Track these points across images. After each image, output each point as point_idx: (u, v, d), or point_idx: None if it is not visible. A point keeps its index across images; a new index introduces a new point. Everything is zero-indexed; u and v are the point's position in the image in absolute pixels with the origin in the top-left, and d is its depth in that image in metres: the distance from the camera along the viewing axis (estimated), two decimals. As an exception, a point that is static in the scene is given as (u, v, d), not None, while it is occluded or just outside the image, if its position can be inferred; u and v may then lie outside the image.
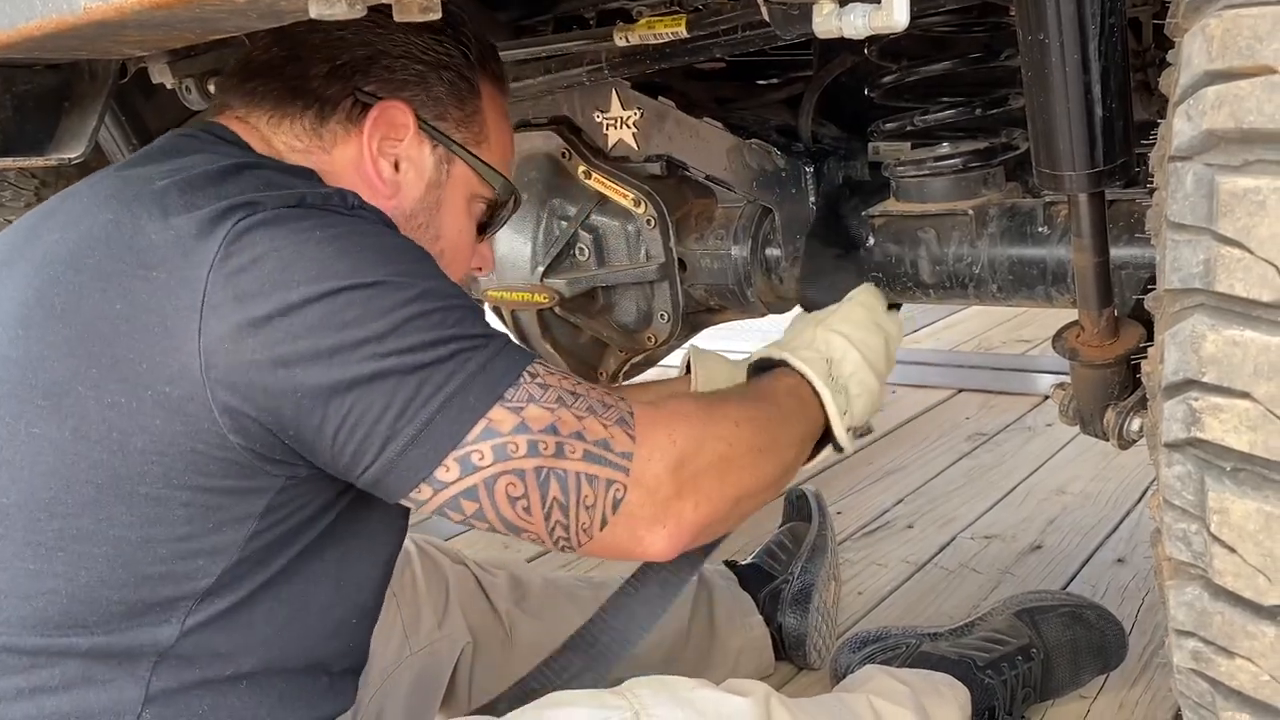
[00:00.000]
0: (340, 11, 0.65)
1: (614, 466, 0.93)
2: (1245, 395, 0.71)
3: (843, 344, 1.23)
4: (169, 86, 1.45)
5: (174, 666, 0.90)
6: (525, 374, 0.91)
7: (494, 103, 1.14)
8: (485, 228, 1.19)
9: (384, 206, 1.01)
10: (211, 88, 1.49)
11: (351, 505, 0.98)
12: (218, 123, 1.05)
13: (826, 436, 1.19)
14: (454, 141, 1.09)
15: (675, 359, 1.63)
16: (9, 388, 0.88)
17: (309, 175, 0.99)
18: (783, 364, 1.19)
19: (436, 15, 0.70)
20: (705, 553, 1.20)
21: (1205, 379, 0.73)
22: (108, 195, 0.94)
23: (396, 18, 0.70)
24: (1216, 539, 0.75)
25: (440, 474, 0.88)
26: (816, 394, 1.17)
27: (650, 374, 1.93)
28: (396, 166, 1.06)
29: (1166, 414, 0.77)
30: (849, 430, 1.21)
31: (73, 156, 1.13)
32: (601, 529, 0.93)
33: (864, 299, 1.31)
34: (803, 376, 1.17)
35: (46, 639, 0.87)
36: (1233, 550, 0.74)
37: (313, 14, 0.66)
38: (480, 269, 1.25)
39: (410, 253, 0.94)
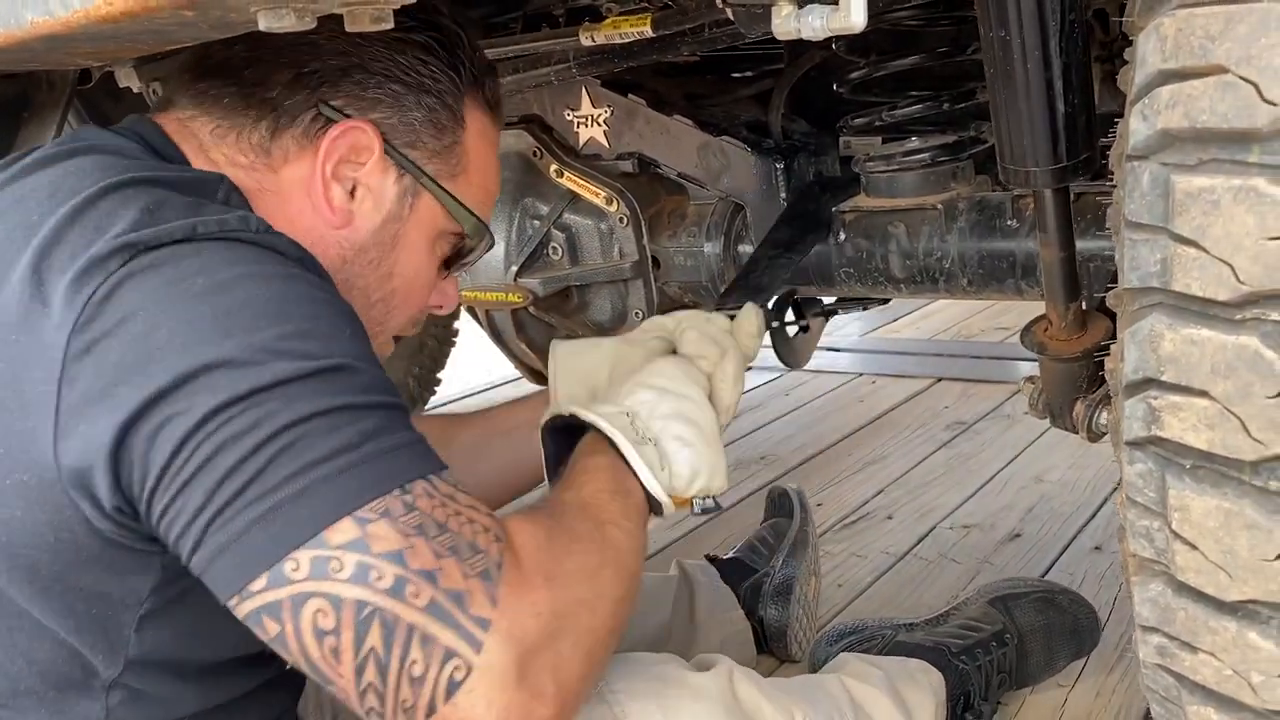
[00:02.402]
0: (289, 23, 0.64)
1: (463, 634, 0.72)
2: (1203, 394, 0.72)
3: (652, 396, 1.04)
4: (135, 90, 1.44)
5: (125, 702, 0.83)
6: (399, 487, 0.74)
7: (480, 134, 1.03)
8: (450, 262, 1.07)
9: (330, 237, 0.94)
10: (178, 90, 1.48)
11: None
12: (152, 121, 0.94)
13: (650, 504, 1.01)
14: (423, 173, 0.98)
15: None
16: None
17: (214, 185, 0.87)
18: (575, 421, 1.02)
19: (388, 25, 0.70)
20: None
21: (1164, 377, 0.74)
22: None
23: (348, 27, 0.69)
24: (1178, 536, 0.76)
25: (252, 584, 0.71)
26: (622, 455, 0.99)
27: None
28: (352, 193, 0.96)
29: (1127, 412, 0.78)
30: (689, 500, 1.04)
31: (33, 166, 1.11)
32: (428, 715, 0.72)
33: (673, 364, 1.10)
34: (602, 435, 1.00)
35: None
36: (1194, 547, 0.75)
37: (262, 26, 0.65)
38: (440, 307, 1.11)
39: (309, 306, 0.78)
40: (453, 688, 0.71)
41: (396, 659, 0.71)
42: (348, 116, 0.94)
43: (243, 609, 0.73)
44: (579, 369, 1.19)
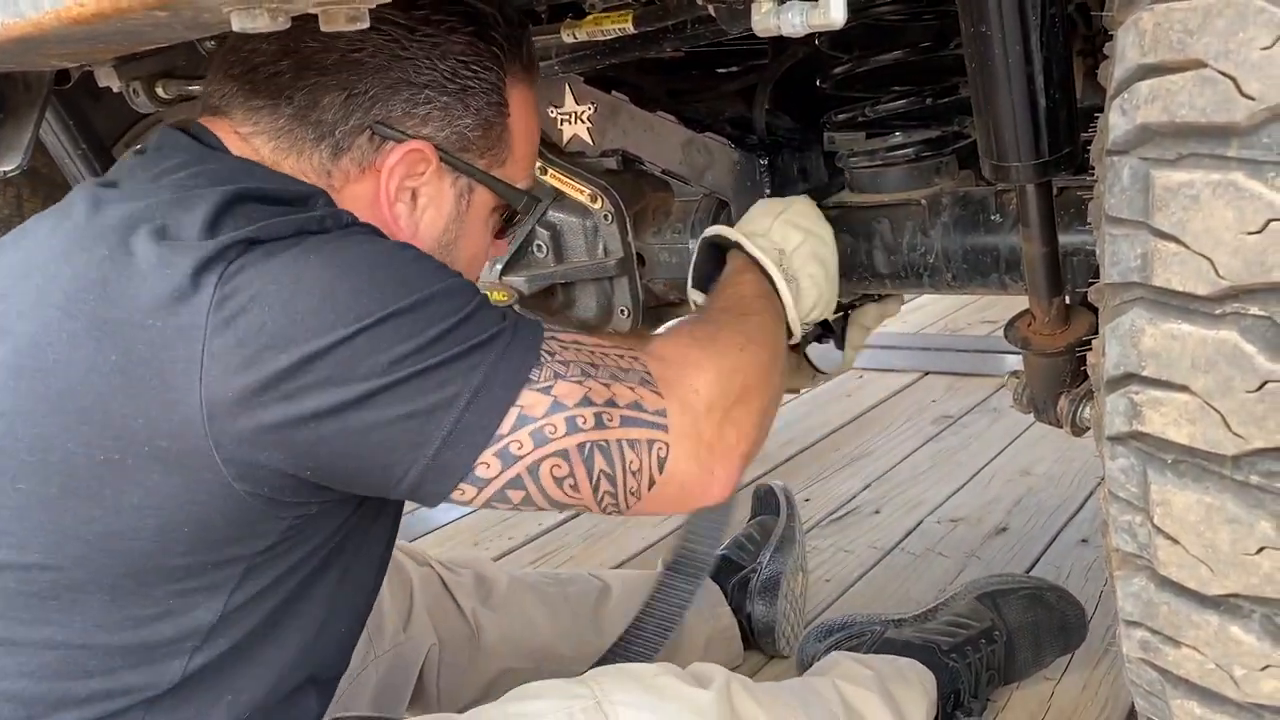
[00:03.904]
0: (263, 24, 0.64)
1: (653, 426, 0.92)
2: (1184, 388, 0.72)
3: (798, 236, 1.25)
4: (116, 90, 1.43)
5: (169, 706, 0.88)
6: (543, 353, 0.90)
7: (522, 104, 1.08)
8: (503, 230, 1.16)
9: None
10: (161, 90, 1.47)
11: (357, 524, 0.96)
12: (216, 135, 0.98)
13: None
14: (478, 170, 1.04)
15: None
16: None
17: (315, 199, 0.93)
18: (737, 247, 1.23)
19: (364, 25, 0.69)
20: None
21: (1145, 372, 0.74)
22: (102, 226, 0.88)
23: (323, 27, 0.68)
24: (1160, 531, 0.76)
25: (480, 470, 0.86)
26: (772, 283, 1.20)
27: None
28: (414, 201, 1.01)
29: (1109, 407, 0.78)
30: (807, 320, 1.25)
31: (9, 169, 1.10)
32: (650, 489, 0.92)
33: (809, 205, 1.33)
34: (759, 266, 1.21)
35: (44, 685, 0.86)
36: (1176, 541, 0.75)
37: (235, 27, 0.64)
38: (496, 253, 1.25)
39: (409, 259, 0.90)
40: (661, 463, 0.92)
41: (620, 468, 0.91)
42: (402, 136, 0.97)
43: (483, 495, 0.88)
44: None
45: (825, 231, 1.29)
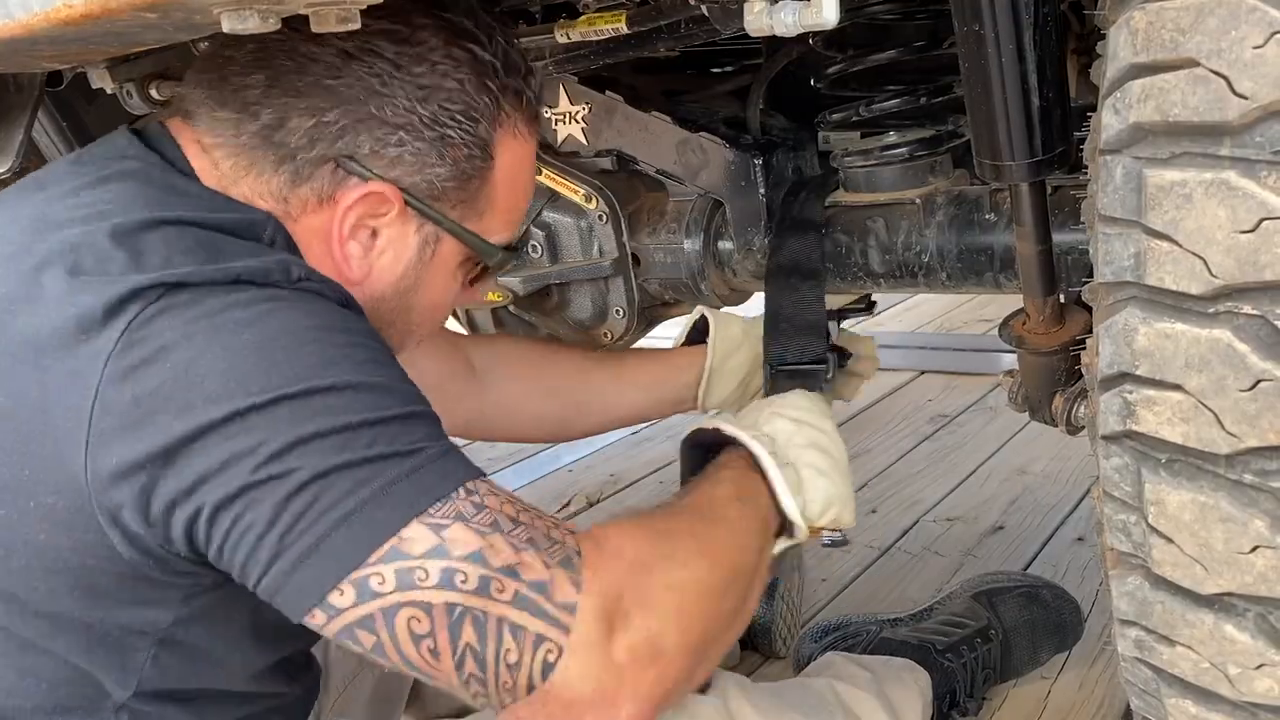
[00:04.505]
0: (253, 25, 0.64)
1: (549, 620, 0.76)
2: (1177, 387, 0.72)
3: (788, 425, 1.09)
4: (109, 91, 1.43)
5: None
6: (461, 489, 0.77)
7: (514, 159, 0.98)
8: (475, 280, 1.06)
9: (349, 289, 0.89)
10: (154, 91, 1.46)
11: None
12: (175, 140, 0.91)
13: (783, 527, 1.03)
14: (447, 219, 0.95)
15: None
16: None
17: (260, 228, 0.86)
18: (717, 434, 1.06)
19: (355, 26, 0.69)
20: None
21: (1139, 372, 0.74)
22: (26, 239, 0.82)
23: (314, 28, 0.68)
24: (1154, 530, 0.76)
25: (334, 598, 0.74)
26: (762, 474, 1.01)
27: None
28: (373, 237, 0.93)
29: (1103, 406, 0.78)
30: (820, 529, 1.05)
31: (1, 171, 1.10)
32: (529, 693, 0.76)
33: (804, 398, 1.19)
34: (743, 449, 1.02)
35: None
36: (1170, 540, 0.75)
37: (225, 28, 0.64)
38: (466, 301, 1.15)
39: (346, 340, 0.80)
40: (547, 669, 0.75)
41: (492, 651, 0.75)
42: (367, 174, 0.90)
43: (332, 626, 0.75)
44: (734, 334, 1.37)
45: (823, 422, 1.12)
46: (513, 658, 0.75)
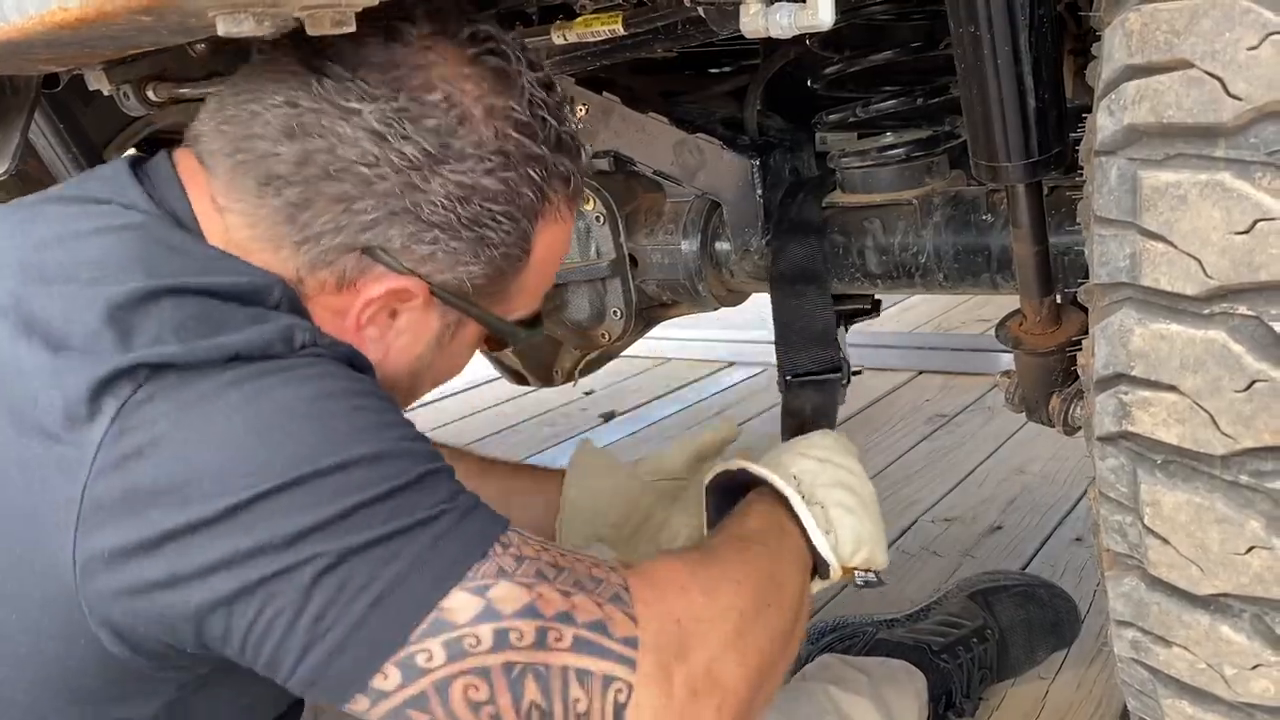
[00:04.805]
0: (248, 28, 0.64)
1: (615, 658, 0.73)
2: (1173, 388, 0.72)
3: (813, 464, 1.05)
4: (106, 93, 1.42)
5: None
6: (496, 545, 0.74)
7: (551, 242, 0.93)
8: (493, 345, 1.04)
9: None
10: (151, 93, 1.47)
11: None
12: (188, 192, 0.85)
13: (816, 568, 1.01)
14: (475, 309, 0.90)
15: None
16: None
17: (265, 293, 0.79)
18: (743, 474, 1.04)
19: (351, 29, 0.69)
20: None
21: (1134, 373, 0.74)
22: (12, 286, 0.77)
23: (310, 31, 0.68)
24: (1150, 531, 0.76)
25: (378, 682, 0.71)
26: (793, 513, 0.99)
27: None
28: (393, 318, 0.88)
29: (1098, 407, 0.78)
30: (852, 570, 1.03)
31: (-3, 173, 1.10)
32: None
33: (827, 437, 1.15)
34: (771, 489, 1.00)
35: None
36: (1166, 541, 0.75)
37: (220, 31, 0.64)
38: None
39: (350, 406, 0.76)
40: (619, 710, 0.73)
41: (560, 704, 0.72)
42: (396, 267, 0.84)
43: (378, 710, 0.71)
44: (588, 494, 1.21)
45: (849, 461, 1.08)
46: (582, 706, 0.72)
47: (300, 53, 0.83)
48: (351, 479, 0.71)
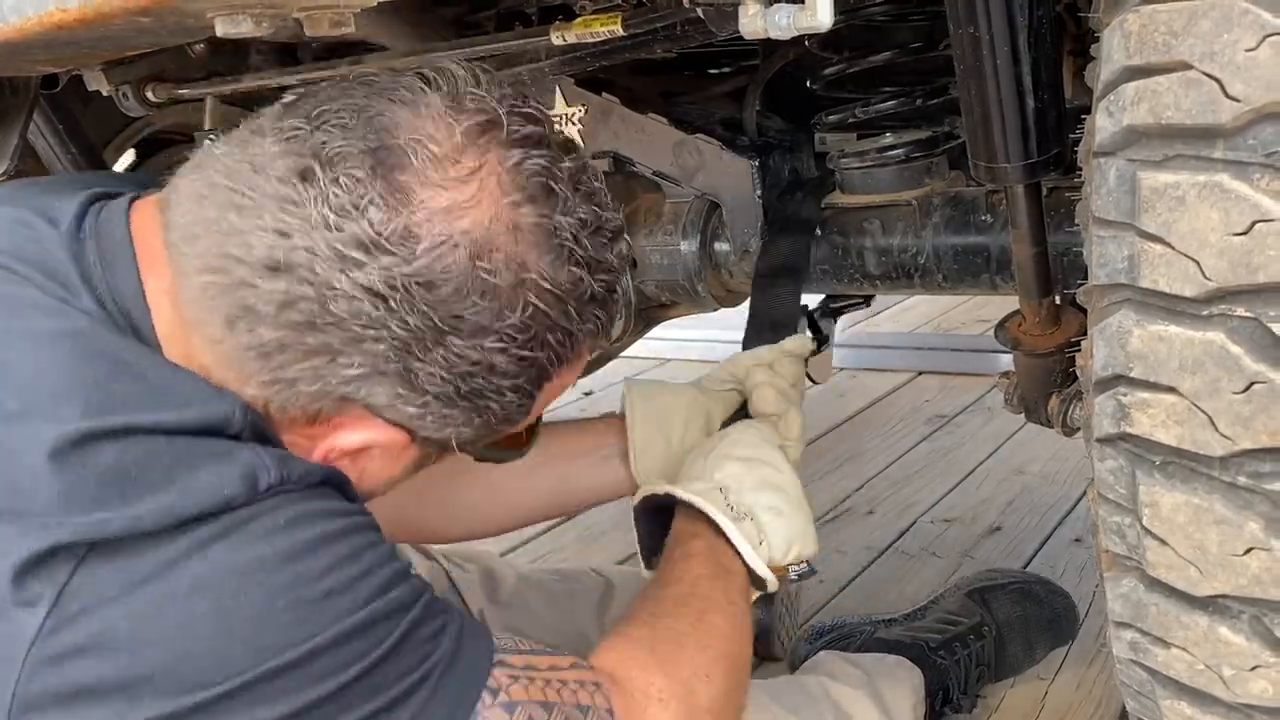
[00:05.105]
0: (246, 29, 0.64)
1: None
2: (1171, 390, 0.72)
3: (737, 467, 1.04)
4: (105, 94, 1.43)
5: None
6: (485, 694, 0.72)
7: (560, 386, 0.84)
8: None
9: None
10: (150, 94, 1.47)
11: None
12: (144, 286, 0.73)
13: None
14: (462, 448, 0.82)
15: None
16: None
17: (224, 426, 0.70)
18: (670, 499, 1.03)
19: (350, 30, 0.69)
20: None
21: (1133, 374, 0.74)
22: None
23: (308, 32, 0.68)
24: (1149, 532, 0.76)
25: None
26: (727, 537, 0.99)
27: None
28: (365, 449, 0.78)
29: (1097, 409, 0.78)
30: (786, 567, 1.04)
31: (-4, 173, 1.10)
32: None
33: (748, 430, 1.13)
34: (699, 513, 1.00)
35: None
36: (1164, 543, 0.75)
37: (219, 32, 0.64)
38: None
39: (324, 571, 0.68)
40: None
41: None
42: (379, 420, 0.75)
43: None
44: (654, 411, 1.19)
45: (771, 455, 1.07)
46: None
47: (305, 143, 0.69)
48: (324, 665, 0.66)
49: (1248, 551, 0.71)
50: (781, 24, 0.81)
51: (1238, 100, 0.65)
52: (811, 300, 1.56)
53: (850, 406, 2.82)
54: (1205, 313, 0.69)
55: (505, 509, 1.26)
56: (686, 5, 0.90)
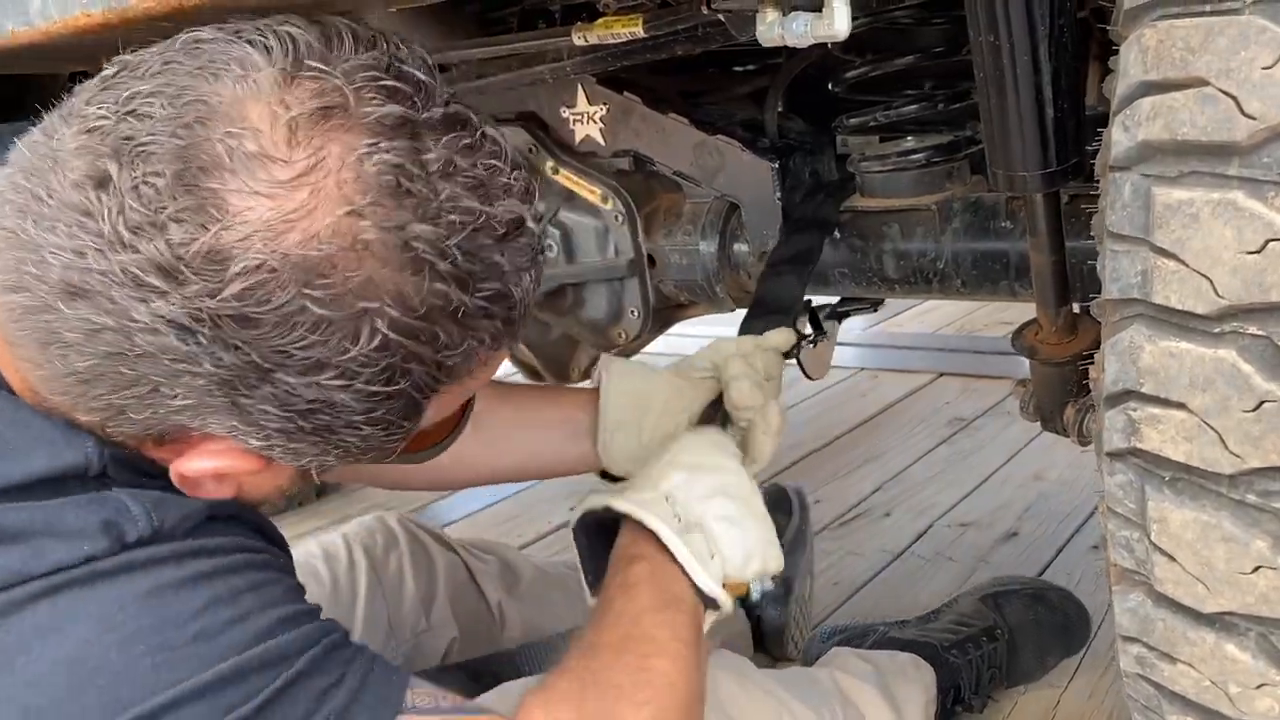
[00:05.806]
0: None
1: None
2: (1181, 406, 0.71)
3: (681, 474, 0.94)
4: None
5: None
6: None
7: (465, 391, 0.75)
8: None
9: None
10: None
11: None
12: None
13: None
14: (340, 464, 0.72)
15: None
16: None
17: (81, 470, 0.64)
18: (611, 514, 0.94)
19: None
20: None
21: (1143, 389, 0.73)
22: None
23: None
24: (1157, 547, 0.76)
25: None
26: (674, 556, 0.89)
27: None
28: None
29: (1108, 423, 0.77)
30: (746, 577, 0.94)
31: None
32: None
33: (700, 436, 1.05)
34: (644, 528, 0.90)
35: None
36: (1172, 558, 0.75)
37: None
38: None
39: (197, 612, 0.62)
40: None
41: None
42: (244, 445, 0.66)
43: None
44: (631, 391, 1.13)
45: (724, 460, 0.98)
46: None
47: (106, 137, 0.59)
48: (188, 716, 0.59)
49: (1255, 569, 0.71)
50: (798, 32, 0.82)
51: (1253, 118, 0.64)
52: (826, 302, 1.57)
53: (870, 407, 2.82)
54: (1217, 330, 0.69)
55: (470, 472, 1.17)
56: (705, 12, 0.90)
